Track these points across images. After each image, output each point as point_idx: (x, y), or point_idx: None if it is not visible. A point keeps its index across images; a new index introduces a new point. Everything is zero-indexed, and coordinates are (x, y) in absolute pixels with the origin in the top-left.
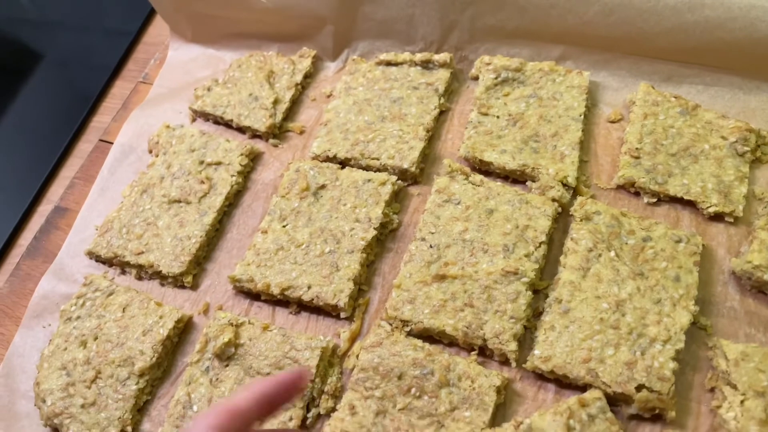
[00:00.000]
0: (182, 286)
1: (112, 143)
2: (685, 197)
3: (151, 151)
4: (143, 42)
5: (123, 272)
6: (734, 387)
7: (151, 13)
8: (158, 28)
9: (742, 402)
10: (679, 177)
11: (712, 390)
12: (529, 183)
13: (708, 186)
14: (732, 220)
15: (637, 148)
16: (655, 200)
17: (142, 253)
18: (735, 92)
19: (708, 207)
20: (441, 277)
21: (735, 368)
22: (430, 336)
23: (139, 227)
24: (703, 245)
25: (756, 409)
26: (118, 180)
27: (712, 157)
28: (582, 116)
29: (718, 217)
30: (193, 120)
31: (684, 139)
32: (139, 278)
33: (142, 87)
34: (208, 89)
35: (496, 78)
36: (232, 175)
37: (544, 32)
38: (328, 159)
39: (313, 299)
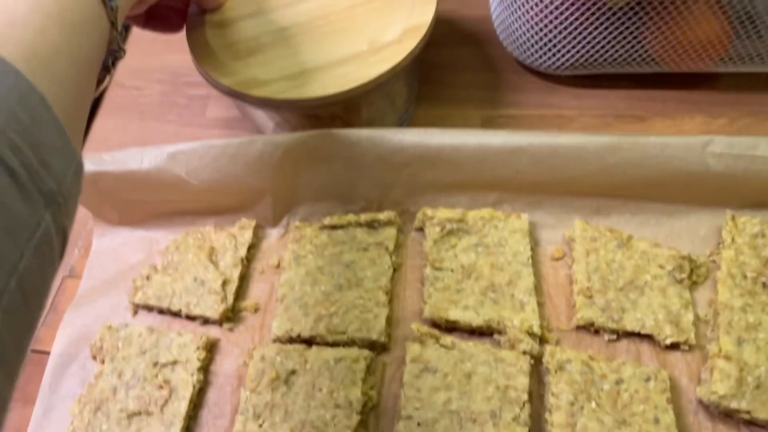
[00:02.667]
0: None
1: (47, 353)
2: (642, 332)
3: (95, 358)
4: None
5: None
6: None
7: None
8: None
9: None
10: (631, 311)
11: None
12: (496, 336)
13: (659, 317)
14: (687, 347)
15: (588, 287)
16: (614, 337)
17: None
18: (659, 217)
19: (664, 339)
20: None
21: None
22: None
23: None
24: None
25: None
26: (63, 396)
27: (656, 287)
28: (530, 260)
29: (674, 346)
30: (135, 313)
31: (627, 272)
32: None
33: (69, 283)
34: (148, 278)
35: (441, 230)
36: (192, 374)
37: (479, 182)
38: (291, 339)
39: None
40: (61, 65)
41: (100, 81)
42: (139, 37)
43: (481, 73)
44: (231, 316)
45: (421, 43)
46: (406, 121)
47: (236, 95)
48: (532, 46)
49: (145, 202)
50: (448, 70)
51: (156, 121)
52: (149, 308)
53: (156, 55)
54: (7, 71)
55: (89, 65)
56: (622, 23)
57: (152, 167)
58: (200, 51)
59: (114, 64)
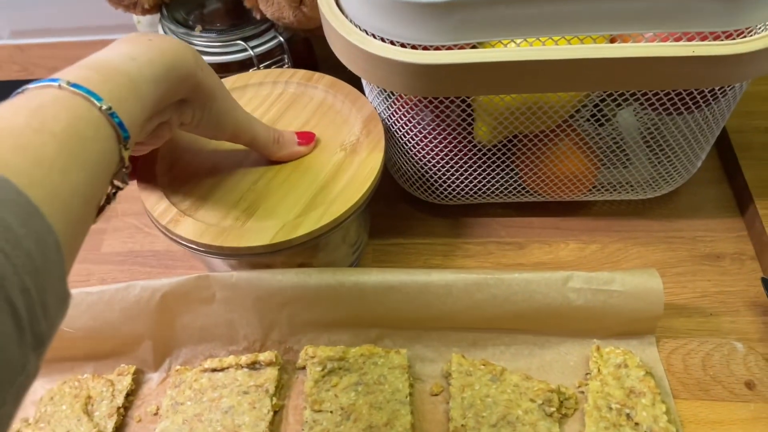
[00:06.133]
0: None
1: None
2: None
3: None
4: None
5: None
6: None
7: None
8: None
9: None
10: None
11: None
12: None
13: None
14: None
15: (462, 425)
16: None
17: None
18: (531, 348)
19: None
20: None
21: None
22: None
23: None
24: None
25: None
26: None
27: (527, 422)
28: (408, 397)
29: None
30: None
31: (500, 408)
32: None
33: None
34: None
35: (322, 370)
36: None
37: (360, 319)
38: None
39: None
40: (77, 205)
41: (99, 211)
42: None
43: (372, 204)
44: None
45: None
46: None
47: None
48: (417, 180)
49: None
50: None
51: None
52: None
53: None
54: (31, 213)
55: (96, 201)
56: (496, 159)
57: None
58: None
59: (115, 195)
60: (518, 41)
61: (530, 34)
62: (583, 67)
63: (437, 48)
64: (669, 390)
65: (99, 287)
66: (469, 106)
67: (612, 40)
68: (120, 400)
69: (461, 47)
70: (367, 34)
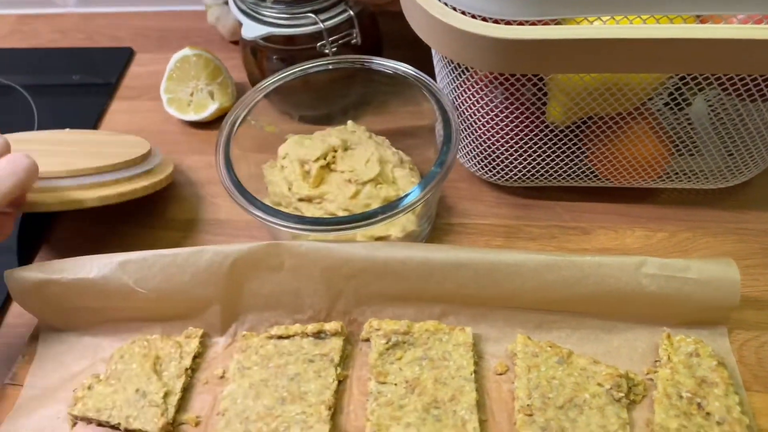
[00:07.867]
0: None
1: None
2: None
3: None
4: (5, 324)
5: None
6: None
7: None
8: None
9: None
10: (570, 431)
11: None
12: None
13: None
14: None
15: (528, 405)
16: None
17: None
18: (597, 333)
19: None
20: None
21: None
22: None
23: None
24: None
25: None
26: None
27: (594, 406)
28: (473, 375)
29: None
30: (74, 425)
31: (567, 390)
32: None
33: (10, 390)
34: (89, 388)
35: (387, 343)
36: None
37: (425, 294)
38: None
39: None
40: None
41: None
42: None
43: None
44: (171, 430)
45: None
46: None
47: None
48: (482, 160)
49: (93, 309)
50: None
51: (112, 223)
52: (88, 420)
53: None
54: None
55: None
56: (567, 141)
57: (100, 276)
58: None
59: None
60: (605, 19)
61: (616, 12)
62: (671, 47)
63: (520, 23)
64: (741, 382)
65: (172, 250)
66: (545, 85)
67: (702, 21)
68: (188, 362)
69: (545, 23)
70: (447, 6)
